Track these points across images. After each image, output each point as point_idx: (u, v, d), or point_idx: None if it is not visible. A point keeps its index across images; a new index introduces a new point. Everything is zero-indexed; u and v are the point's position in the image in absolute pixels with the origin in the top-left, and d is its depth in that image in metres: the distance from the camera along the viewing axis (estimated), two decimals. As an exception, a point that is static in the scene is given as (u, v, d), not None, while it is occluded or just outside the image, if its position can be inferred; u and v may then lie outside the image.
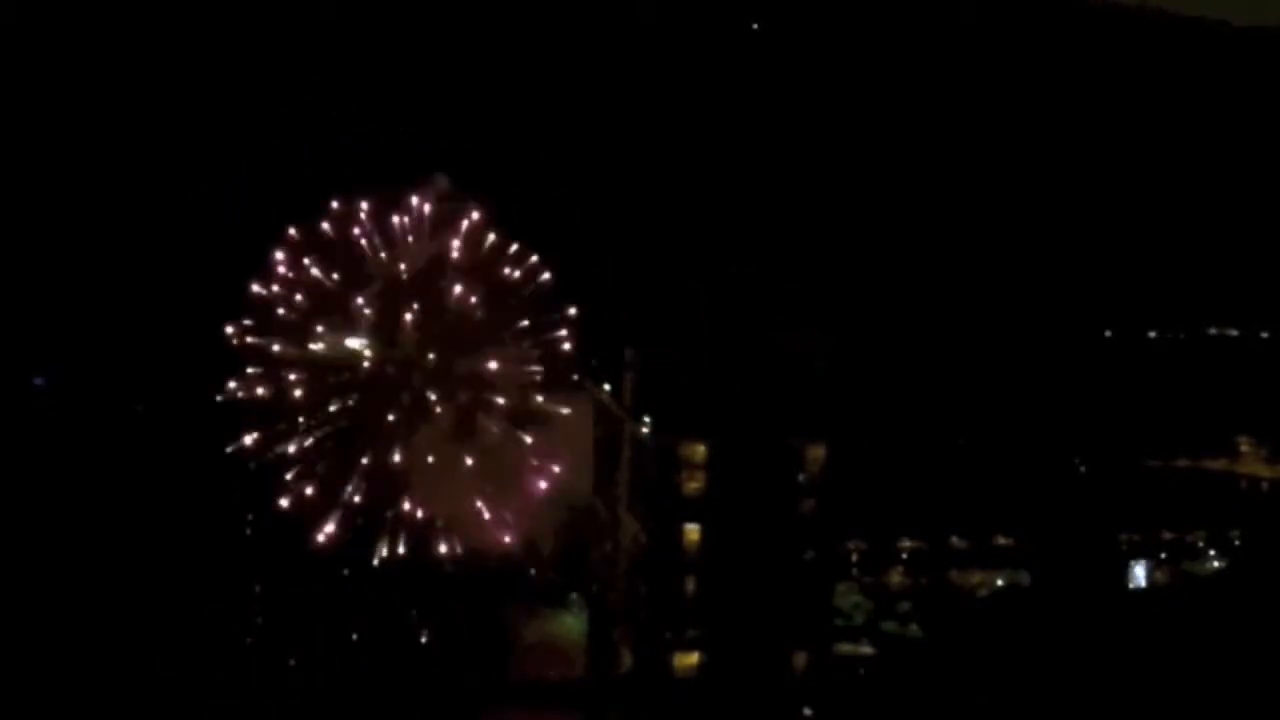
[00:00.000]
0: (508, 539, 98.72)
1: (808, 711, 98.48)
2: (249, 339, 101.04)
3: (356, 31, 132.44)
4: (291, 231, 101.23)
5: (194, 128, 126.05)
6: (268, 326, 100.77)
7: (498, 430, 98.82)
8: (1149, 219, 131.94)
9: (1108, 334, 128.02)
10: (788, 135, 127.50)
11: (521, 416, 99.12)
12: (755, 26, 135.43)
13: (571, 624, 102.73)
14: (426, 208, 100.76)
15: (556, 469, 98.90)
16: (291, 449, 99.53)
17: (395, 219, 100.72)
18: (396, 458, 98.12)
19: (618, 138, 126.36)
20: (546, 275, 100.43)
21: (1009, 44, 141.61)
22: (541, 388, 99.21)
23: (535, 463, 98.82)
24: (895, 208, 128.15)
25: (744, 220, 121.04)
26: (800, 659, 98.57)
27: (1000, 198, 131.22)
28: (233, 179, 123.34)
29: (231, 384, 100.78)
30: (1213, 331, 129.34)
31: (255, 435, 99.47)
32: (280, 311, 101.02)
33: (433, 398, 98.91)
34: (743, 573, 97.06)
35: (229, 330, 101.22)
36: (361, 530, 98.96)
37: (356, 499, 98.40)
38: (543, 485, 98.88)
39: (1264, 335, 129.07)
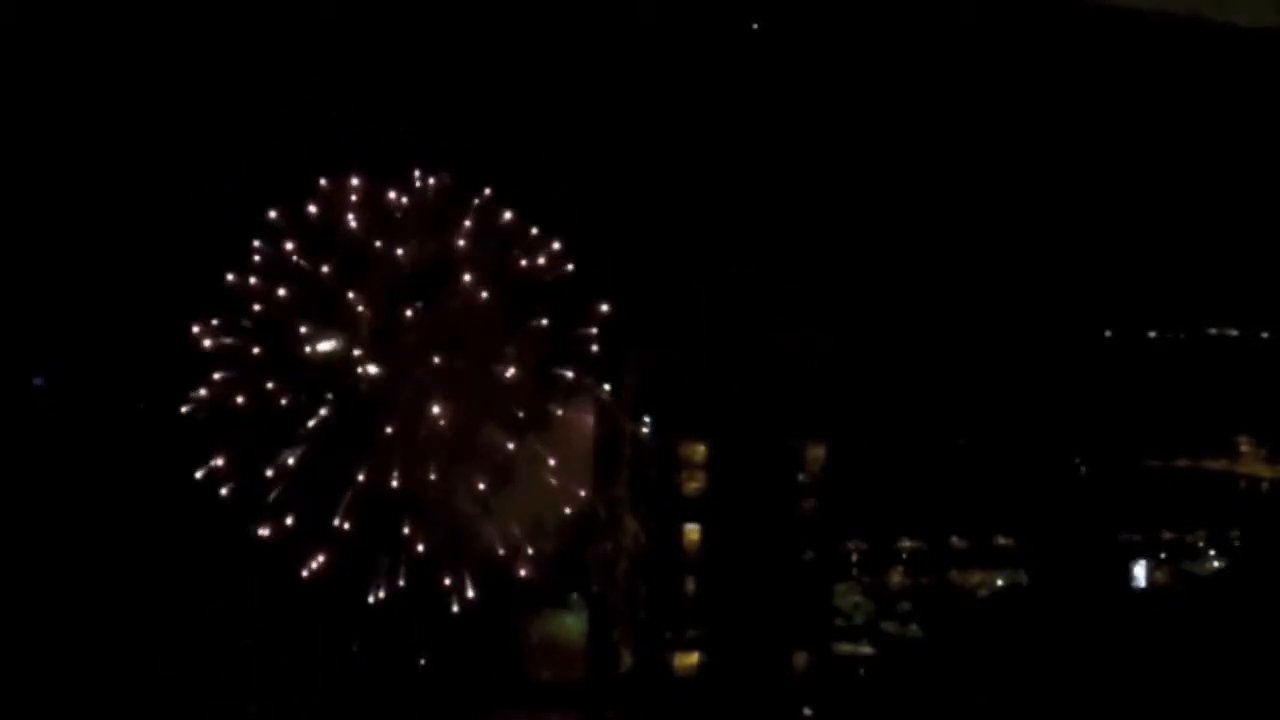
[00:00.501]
0: (524, 572, 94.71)
1: (808, 711, 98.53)
2: (222, 339, 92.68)
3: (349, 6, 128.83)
4: (273, 215, 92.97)
5: (189, 119, 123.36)
6: (245, 324, 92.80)
7: (512, 446, 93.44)
8: (1149, 219, 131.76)
9: (1108, 334, 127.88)
10: (787, 135, 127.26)
11: (537, 426, 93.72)
12: (755, 26, 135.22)
13: (572, 624, 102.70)
14: (431, 182, 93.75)
15: (582, 493, 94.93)
16: (271, 472, 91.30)
17: (393, 201, 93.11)
18: (395, 479, 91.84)
19: (614, 137, 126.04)
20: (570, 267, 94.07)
21: (1009, 44, 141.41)
22: (545, 389, 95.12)
23: (554, 482, 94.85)
24: (895, 208, 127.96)
25: (744, 220, 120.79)
26: (800, 659, 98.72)
27: (1000, 198, 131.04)
28: (221, 167, 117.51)
29: (203, 392, 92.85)
30: (1213, 331, 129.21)
31: (229, 453, 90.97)
32: (258, 307, 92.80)
33: (436, 409, 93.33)
34: (743, 573, 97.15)
35: (196, 329, 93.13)
36: (355, 562, 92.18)
37: (347, 525, 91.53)
38: (566, 511, 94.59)
39: (1264, 335, 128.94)
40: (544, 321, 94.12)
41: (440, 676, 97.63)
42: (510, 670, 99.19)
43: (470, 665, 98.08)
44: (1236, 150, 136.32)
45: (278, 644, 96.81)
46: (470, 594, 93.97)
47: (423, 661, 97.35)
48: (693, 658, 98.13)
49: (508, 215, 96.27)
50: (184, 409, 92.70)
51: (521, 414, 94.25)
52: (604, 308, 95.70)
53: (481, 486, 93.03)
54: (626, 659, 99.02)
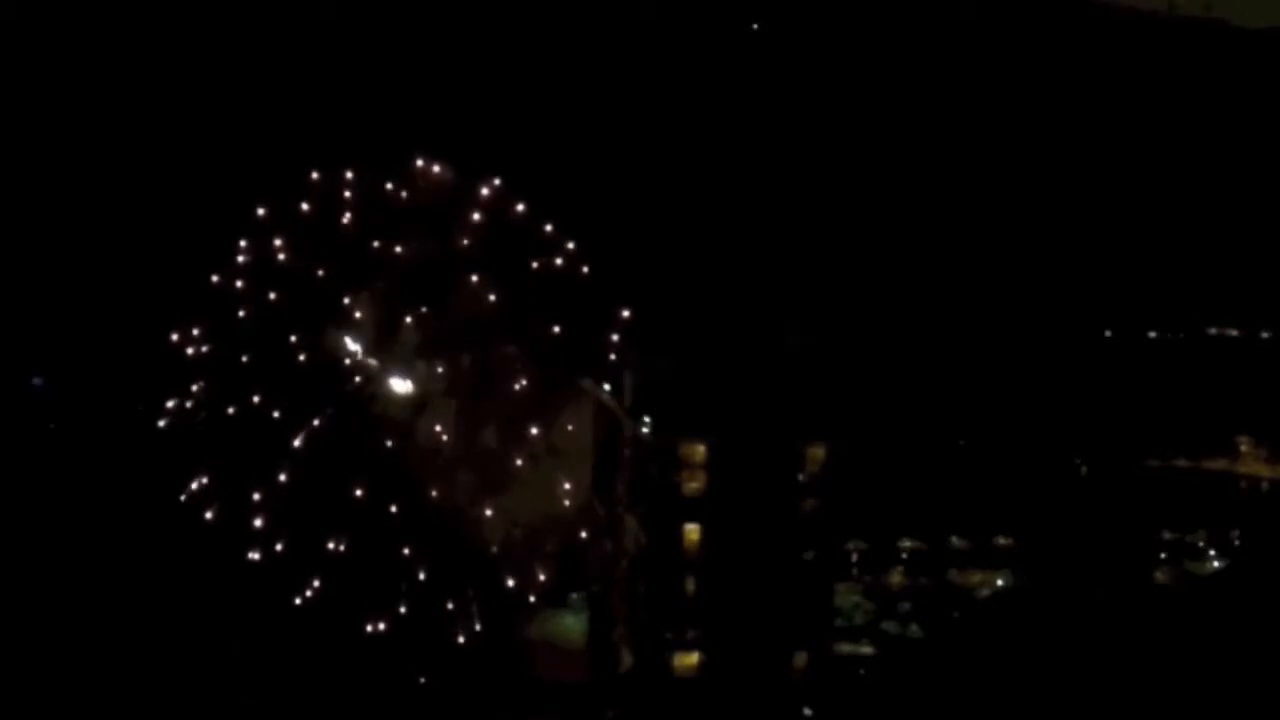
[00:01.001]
0: (533, 598, 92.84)
1: (808, 711, 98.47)
2: (204, 346, 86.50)
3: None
4: (261, 212, 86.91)
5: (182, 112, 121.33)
6: (230, 329, 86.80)
7: (521, 462, 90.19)
8: (1148, 219, 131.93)
9: (1108, 334, 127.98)
10: (787, 135, 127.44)
11: (539, 431, 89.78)
12: (755, 27, 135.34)
13: (571, 624, 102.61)
14: (434, 170, 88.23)
15: (582, 495, 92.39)
16: (258, 495, 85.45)
17: (392, 195, 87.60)
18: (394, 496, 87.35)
19: (613, 137, 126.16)
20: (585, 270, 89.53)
21: (1008, 43, 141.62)
22: (548, 392, 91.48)
23: (562, 497, 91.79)
24: (895, 207, 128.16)
25: (743, 220, 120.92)
26: (800, 659, 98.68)
27: (1000, 198, 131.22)
28: (205, 161, 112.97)
29: (187, 403, 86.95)
30: (1213, 331, 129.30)
31: (214, 470, 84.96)
32: (242, 313, 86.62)
33: (439, 425, 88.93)
34: (743, 573, 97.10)
35: (175, 336, 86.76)
36: (350, 590, 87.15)
37: (343, 548, 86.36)
38: (568, 515, 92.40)
39: (1264, 335, 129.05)
40: (555, 328, 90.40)
41: (440, 680, 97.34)
42: (510, 670, 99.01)
43: (470, 667, 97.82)
44: (1236, 150, 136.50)
45: (271, 666, 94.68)
46: (477, 626, 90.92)
47: (423, 680, 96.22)
48: (693, 658, 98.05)
49: (512, 211, 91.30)
50: (160, 422, 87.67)
51: (525, 422, 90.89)
52: (625, 313, 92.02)
53: (489, 512, 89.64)
54: (626, 659, 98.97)
